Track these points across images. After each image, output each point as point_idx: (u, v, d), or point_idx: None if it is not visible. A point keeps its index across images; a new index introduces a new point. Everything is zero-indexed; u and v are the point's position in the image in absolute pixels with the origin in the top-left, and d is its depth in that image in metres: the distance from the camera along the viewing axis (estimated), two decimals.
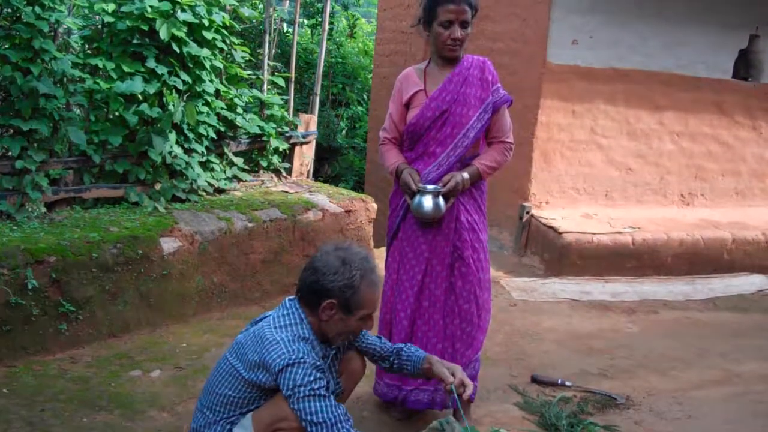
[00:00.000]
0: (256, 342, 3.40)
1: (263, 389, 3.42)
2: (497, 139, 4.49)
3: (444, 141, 4.37)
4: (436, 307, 4.45)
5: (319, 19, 14.13)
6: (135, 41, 6.21)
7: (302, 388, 3.24)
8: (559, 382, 5.30)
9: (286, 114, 7.64)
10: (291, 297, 3.62)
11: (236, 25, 7.34)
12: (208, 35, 6.52)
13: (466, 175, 4.34)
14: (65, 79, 5.70)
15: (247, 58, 7.48)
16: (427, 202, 4.27)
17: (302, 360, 3.29)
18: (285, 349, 3.31)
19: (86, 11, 6.50)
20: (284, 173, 7.68)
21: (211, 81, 6.66)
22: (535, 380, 5.37)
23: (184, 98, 6.40)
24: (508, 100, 4.47)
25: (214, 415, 3.46)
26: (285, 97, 7.95)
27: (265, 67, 7.73)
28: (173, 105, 6.22)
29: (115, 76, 6.03)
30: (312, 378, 3.27)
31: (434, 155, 4.39)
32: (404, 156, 4.51)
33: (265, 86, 7.67)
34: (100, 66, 6.02)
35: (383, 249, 8.01)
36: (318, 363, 3.35)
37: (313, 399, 3.25)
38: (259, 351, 3.37)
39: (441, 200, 4.28)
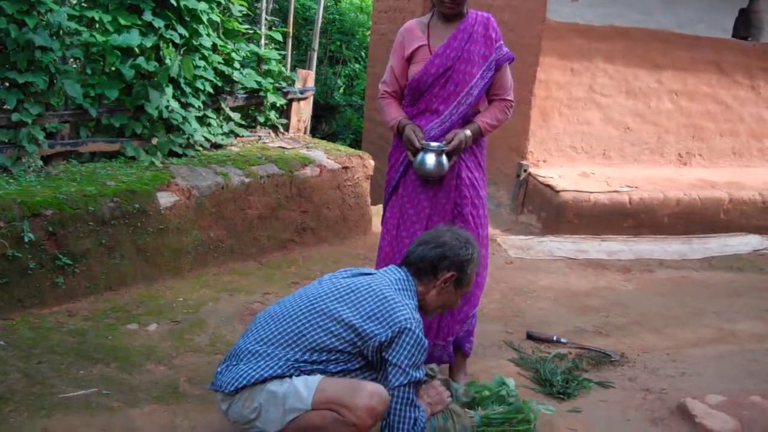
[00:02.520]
0: (377, 298, 3.44)
1: (353, 352, 3.41)
2: (498, 97, 4.49)
3: (447, 98, 4.35)
4: None
5: None
6: None
7: (416, 372, 3.42)
8: (555, 338, 5.33)
9: (283, 69, 7.59)
10: (394, 266, 3.75)
11: None
12: None
13: (468, 132, 4.34)
14: (61, 32, 5.63)
15: (245, 13, 7.42)
16: (431, 159, 4.26)
17: (423, 339, 3.45)
18: (411, 315, 3.43)
19: None
20: (281, 129, 7.65)
21: (208, 35, 6.60)
22: (530, 337, 5.39)
23: (181, 52, 6.35)
24: (510, 58, 4.45)
25: (287, 353, 3.37)
26: (282, 53, 7.90)
27: (263, 21, 7.68)
28: (170, 59, 6.17)
29: (111, 29, 5.98)
30: (423, 360, 3.48)
31: (437, 112, 4.38)
32: (405, 111, 4.50)
33: (263, 41, 7.62)
34: (97, 19, 5.97)
35: (380, 206, 8.03)
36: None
37: (416, 387, 3.47)
38: (381, 305, 3.41)
39: (444, 158, 4.27)
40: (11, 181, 5.26)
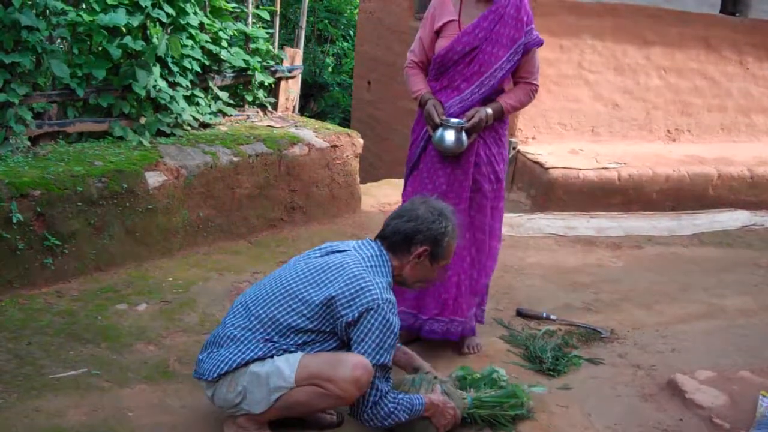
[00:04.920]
0: (347, 277, 3.41)
1: (327, 331, 3.42)
2: (524, 80, 4.52)
3: (470, 77, 4.37)
4: None
5: None
6: None
7: (382, 356, 3.38)
8: (544, 315, 5.34)
9: (271, 48, 7.55)
10: (369, 239, 3.70)
11: None
12: None
13: (489, 111, 4.37)
14: (47, 12, 5.58)
15: None
16: (450, 136, 4.29)
17: (393, 320, 3.41)
18: (380, 295, 3.38)
19: None
20: (270, 108, 7.61)
21: (195, 13, 6.55)
22: (520, 314, 5.40)
23: (168, 31, 6.31)
24: (539, 43, 4.46)
25: (265, 336, 3.40)
26: (270, 31, 7.86)
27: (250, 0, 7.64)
28: (157, 38, 6.13)
29: (98, 9, 5.93)
30: (393, 345, 3.43)
31: (459, 90, 4.40)
32: (429, 85, 4.52)
33: (250, 19, 7.57)
34: None
35: (369, 185, 8.04)
36: (399, 324, 3.48)
37: (383, 369, 3.44)
38: (350, 284, 3.38)
39: (464, 135, 4.30)
40: None
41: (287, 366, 3.32)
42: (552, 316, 5.33)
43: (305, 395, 3.32)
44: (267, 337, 3.39)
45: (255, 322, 3.43)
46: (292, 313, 3.39)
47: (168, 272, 5.56)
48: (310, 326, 3.39)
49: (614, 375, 4.55)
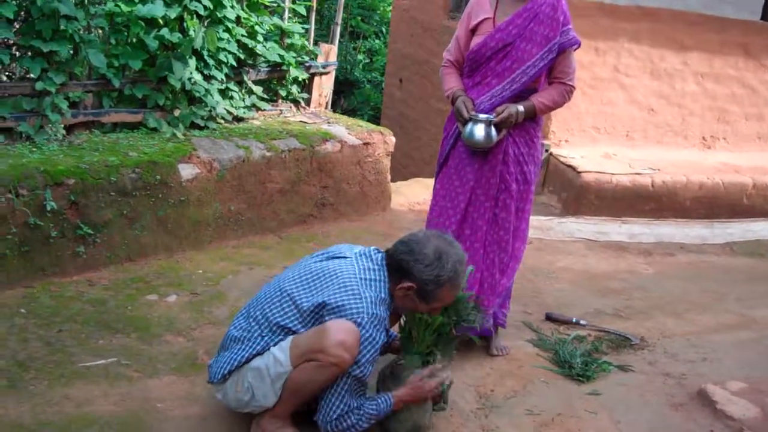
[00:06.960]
0: (339, 287, 3.41)
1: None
2: (559, 80, 4.49)
3: (502, 74, 4.37)
4: (478, 236, 4.52)
5: None
6: None
7: (359, 368, 3.37)
8: (574, 320, 5.31)
9: (306, 43, 7.55)
10: (377, 249, 3.67)
11: None
12: None
13: (521, 108, 4.35)
14: (86, 1, 5.61)
15: None
16: (479, 130, 4.30)
17: (375, 336, 3.39)
18: (366, 309, 3.36)
19: None
20: (303, 103, 7.61)
21: (232, 7, 6.56)
22: (549, 318, 5.38)
23: (205, 24, 6.32)
24: (576, 43, 4.44)
25: (262, 332, 3.47)
26: (306, 26, 7.85)
27: None
28: (194, 30, 6.14)
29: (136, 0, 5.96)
30: (372, 359, 3.40)
31: (489, 86, 4.40)
32: (463, 82, 4.53)
33: (286, 14, 7.57)
34: None
35: (399, 183, 8.02)
36: (383, 339, 3.45)
37: (357, 382, 3.42)
38: (338, 295, 3.38)
39: (493, 130, 4.30)
40: (34, 149, 5.25)
41: (281, 352, 3.38)
42: (582, 322, 5.30)
43: (305, 373, 3.35)
44: (263, 335, 3.46)
45: (252, 323, 3.51)
46: (284, 315, 3.45)
47: (198, 264, 5.57)
48: (302, 329, 3.43)
49: (644, 383, 4.52)
